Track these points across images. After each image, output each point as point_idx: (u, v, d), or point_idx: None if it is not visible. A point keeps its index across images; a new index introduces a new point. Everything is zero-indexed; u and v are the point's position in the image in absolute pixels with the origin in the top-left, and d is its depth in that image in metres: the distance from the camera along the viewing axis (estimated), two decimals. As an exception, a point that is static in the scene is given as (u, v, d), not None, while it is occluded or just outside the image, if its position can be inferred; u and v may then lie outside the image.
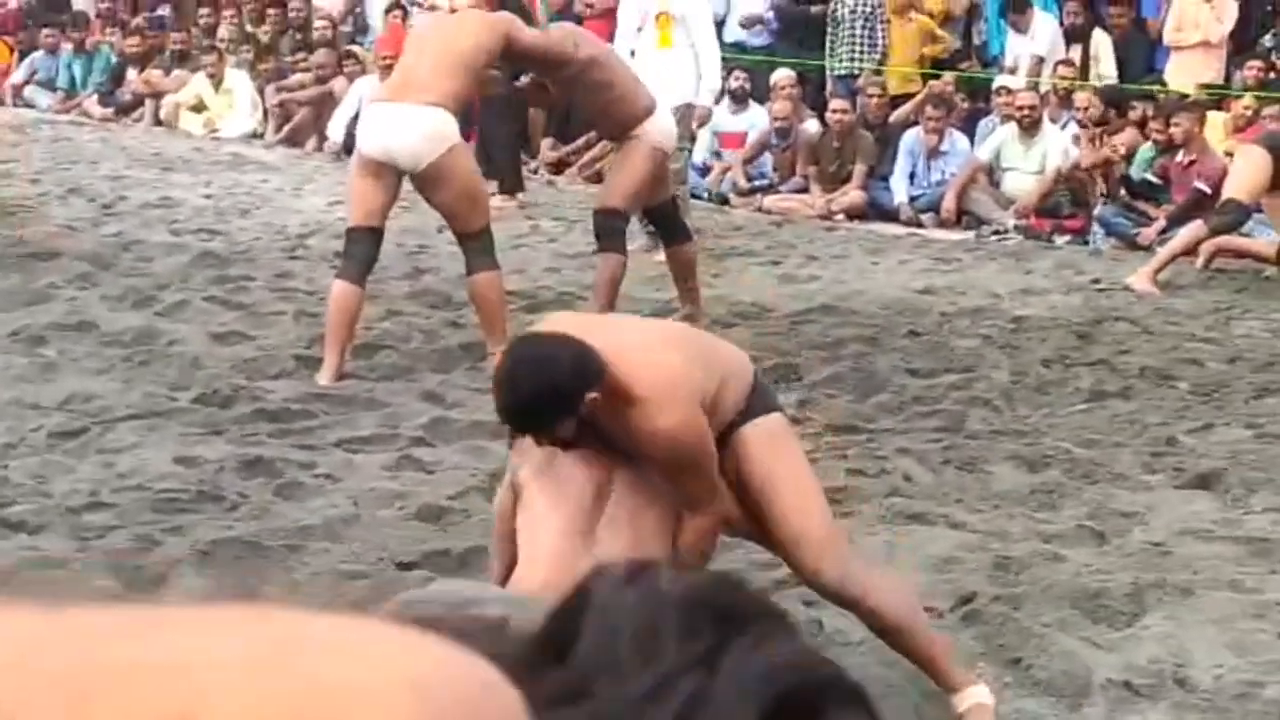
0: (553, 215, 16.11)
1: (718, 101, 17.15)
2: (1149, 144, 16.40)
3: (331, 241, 14.93)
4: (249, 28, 22.27)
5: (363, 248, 11.23)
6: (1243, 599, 7.83)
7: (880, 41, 18.91)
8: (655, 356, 6.25)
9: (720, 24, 18.07)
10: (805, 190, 17.67)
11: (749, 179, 17.93)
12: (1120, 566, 8.18)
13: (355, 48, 20.18)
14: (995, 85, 17.93)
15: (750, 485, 6.07)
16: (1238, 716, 6.74)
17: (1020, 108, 17.07)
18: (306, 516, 8.72)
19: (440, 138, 10.97)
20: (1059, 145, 16.80)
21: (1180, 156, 15.95)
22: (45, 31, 23.19)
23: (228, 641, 0.89)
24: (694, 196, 16.27)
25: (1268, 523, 8.78)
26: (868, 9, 18.95)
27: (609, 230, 12.07)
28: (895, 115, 18.04)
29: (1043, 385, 11.22)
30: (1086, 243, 16.05)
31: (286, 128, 20.26)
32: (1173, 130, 16.07)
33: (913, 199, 17.16)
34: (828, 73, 19.05)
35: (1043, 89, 17.62)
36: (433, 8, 18.03)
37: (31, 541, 8.33)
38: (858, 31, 18.98)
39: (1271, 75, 17.47)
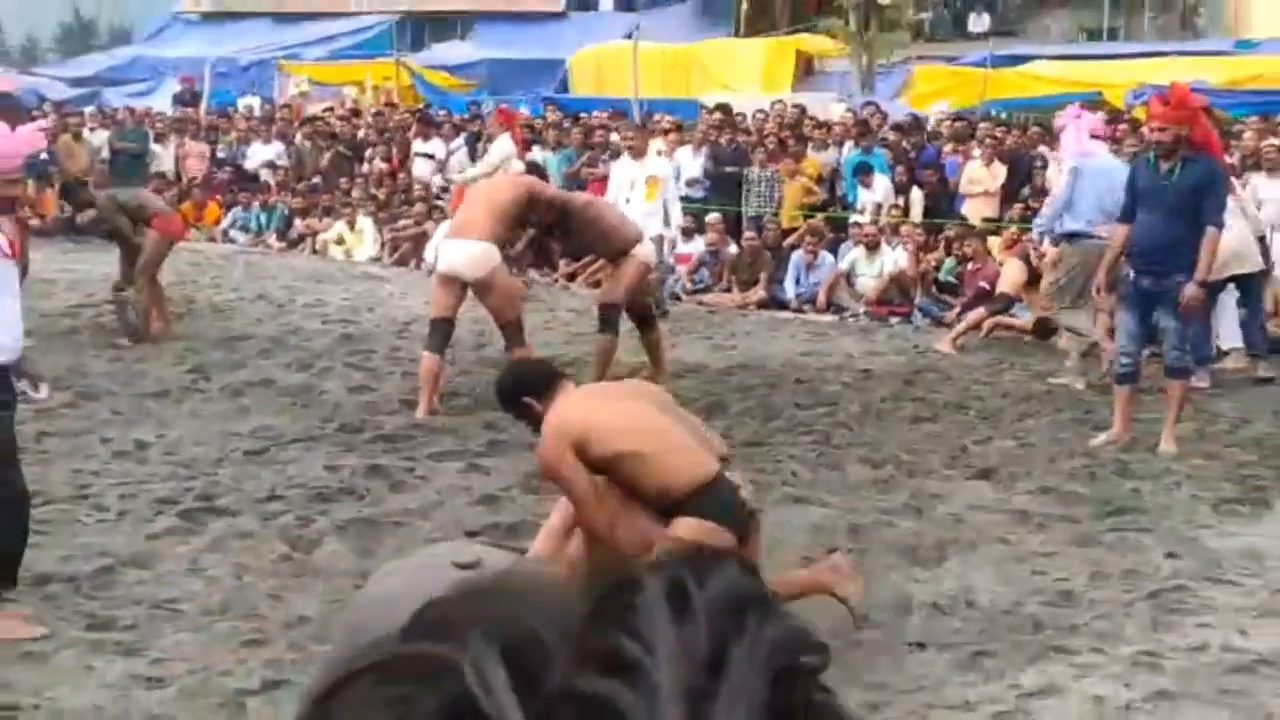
0: (567, 308, 16.11)
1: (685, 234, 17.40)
2: (950, 258, 16.43)
3: (425, 328, 14.95)
4: (373, 190, 22.25)
5: (441, 331, 11.29)
6: (1009, 550, 7.89)
7: (776, 194, 18.95)
8: (573, 401, 6.40)
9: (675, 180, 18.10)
10: (729, 290, 17.69)
11: (693, 283, 17.97)
12: (931, 530, 8.21)
13: (439, 202, 20.18)
14: (850, 221, 17.94)
15: None
16: (1004, 625, 6.77)
17: (867, 235, 17.11)
18: (408, 502, 8.76)
19: (486, 261, 11.06)
20: (892, 259, 16.83)
21: (970, 265, 15.98)
22: (242, 194, 23.20)
23: None
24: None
25: (1026, 500, 8.81)
26: (768, 174, 19.02)
27: (607, 319, 12.09)
28: (786, 241, 18.04)
29: (881, 413, 11.22)
30: (910, 322, 16.06)
31: (397, 254, 20.25)
32: (966, 248, 16.14)
33: (798, 295, 17.15)
34: (743, 214, 19.06)
35: (880, 223, 17.65)
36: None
37: (233, 521, 8.37)
38: (762, 188, 19.02)
39: (1029, 212, 17.49)
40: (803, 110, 22.18)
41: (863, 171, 18.49)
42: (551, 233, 12.88)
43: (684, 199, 18.67)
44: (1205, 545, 7.94)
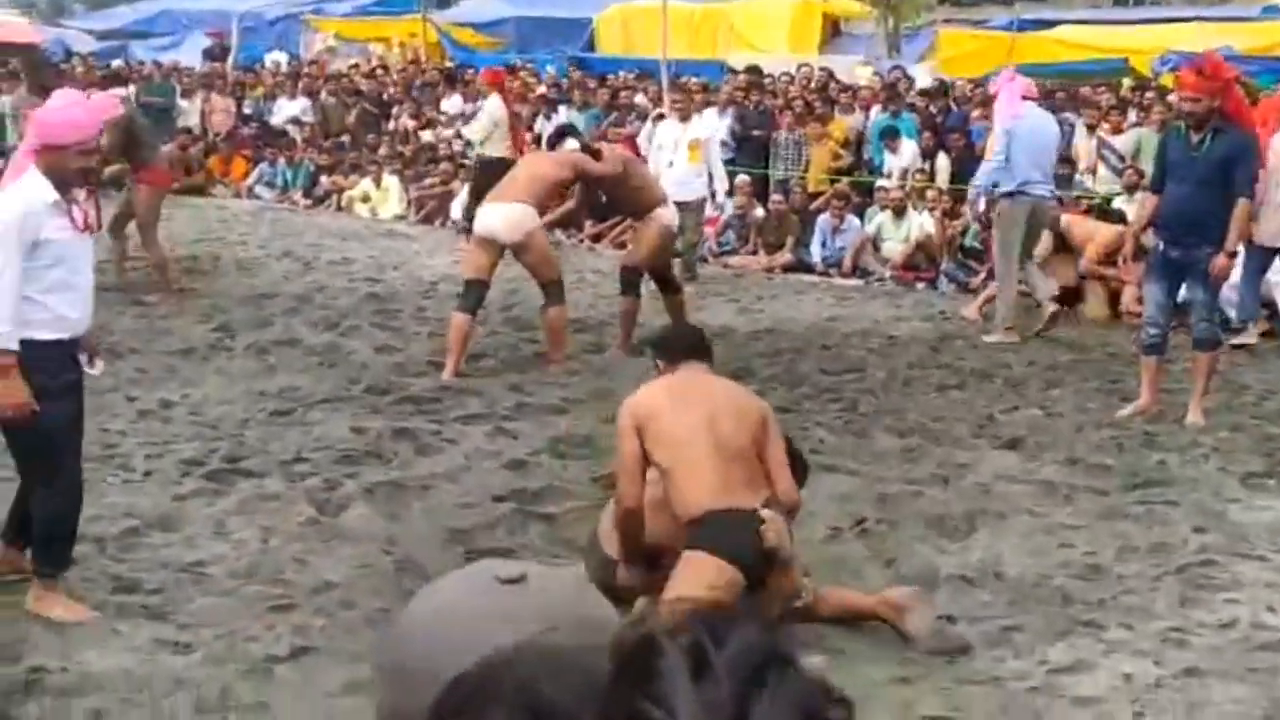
0: (593, 269, 16.00)
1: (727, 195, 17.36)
2: (976, 223, 16.28)
3: (452, 287, 14.85)
4: (399, 148, 22.15)
5: (475, 292, 11.27)
6: (1037, 521, 7.83)
7: (803, 158, 18.82)
8: (658, 385, 6.57)
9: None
10: (755, 253, 17.60)
11: (719, 246, 17.87)
12: (958, 500, 8.15)
13: (465, 161, 20.04)
14: (877, 185, 17.80)
15: None
16: (1034, 599, 6.71)
17: (893, 199, 16.99)
18: (435, 466, 8.72)
19: (525, 223, 11.09)
20: (918, 224, 16.72)
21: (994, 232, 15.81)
22: (268, 150, 23.12)
23: None
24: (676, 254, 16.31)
25: (1053, 472, 8.74)
26: (795, 137, 18.88)
27: (629, 282, 12.06)
28: (813, 205, 17.93)
29: (907, 380, 11.13)
30: (935, 287, 15.95)
31: (422, 212, 20.16)
32: (992, 214, 15.97)
33: (824, 259, 17.05)
34: (770, 177, 18.95)
35: (907, 188, 17.52)
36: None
37: (259, 483, 8.35)
38: (789, 151, 18.88)
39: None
40: (830, 74, 22.04)
41: (889, 136, 18.36)
42: (588, 198, 12.85)
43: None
44: (1233, 519, 7.86)
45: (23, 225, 6.07)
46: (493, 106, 18.11)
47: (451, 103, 22.63)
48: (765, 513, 6.03)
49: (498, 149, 17.99)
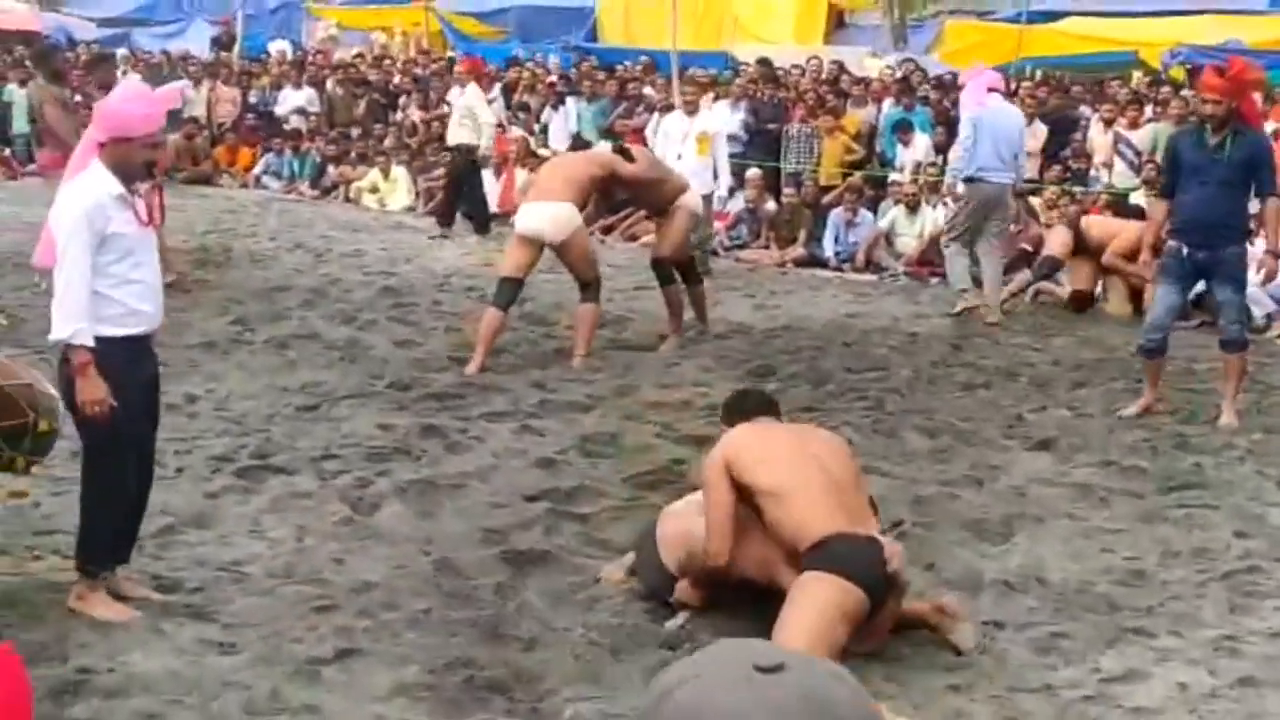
0: (608, 263, 15.85)
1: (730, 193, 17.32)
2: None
3: (466, 280, 14.88)
4: (406, 139, 22.11)
5: (510, 290, 11.35)
6: (1075, 525, 7.81)
7: (815, 151, 18.79)
8: (744, 428, 6.58)
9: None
10: (767, 247, 17.58)
11: (731, 240, 17.86)
12: (995, 503, 8.13)
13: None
14: (890, 180, 17.79)
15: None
16: (1079, 605, 6.69)
17: (907, 194, 16.98)
18: (465, 465, 8.68)
19: (570, 222, 11.24)
20: (932, 219, 16.70)
21: (1012, 227, 15.79)
22: (274, 140, 23.06)
23: None
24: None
25: (1088, 474, 8.72)
26: (808, 130, 18.86)
27: (664, 274, 12.08)
28: (825, 199, 17.91)
29: (932, 379, 11.11)
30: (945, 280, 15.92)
31: (431, 204, 20.10)
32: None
33: (837, 254, 17.05)
34: (782, 171, 18.92)
35: (920, 182, 17.48)
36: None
37: (290, 480, 8.32)
38: (801, 144, 18.85)
39: (1067, 174, 17.37)
40: (841, 65, 22.00)
41: (903, 129, 18.36)
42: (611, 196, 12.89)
43: (721, 155, 18.60)
44: (1274, 523, 7.84)
45: (92, 219, 6.02)
46: (472, 96, 18.30)
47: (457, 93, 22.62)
48: (886, 539, 6.09)
49: (458, 136, 18.14)
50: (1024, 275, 14.47)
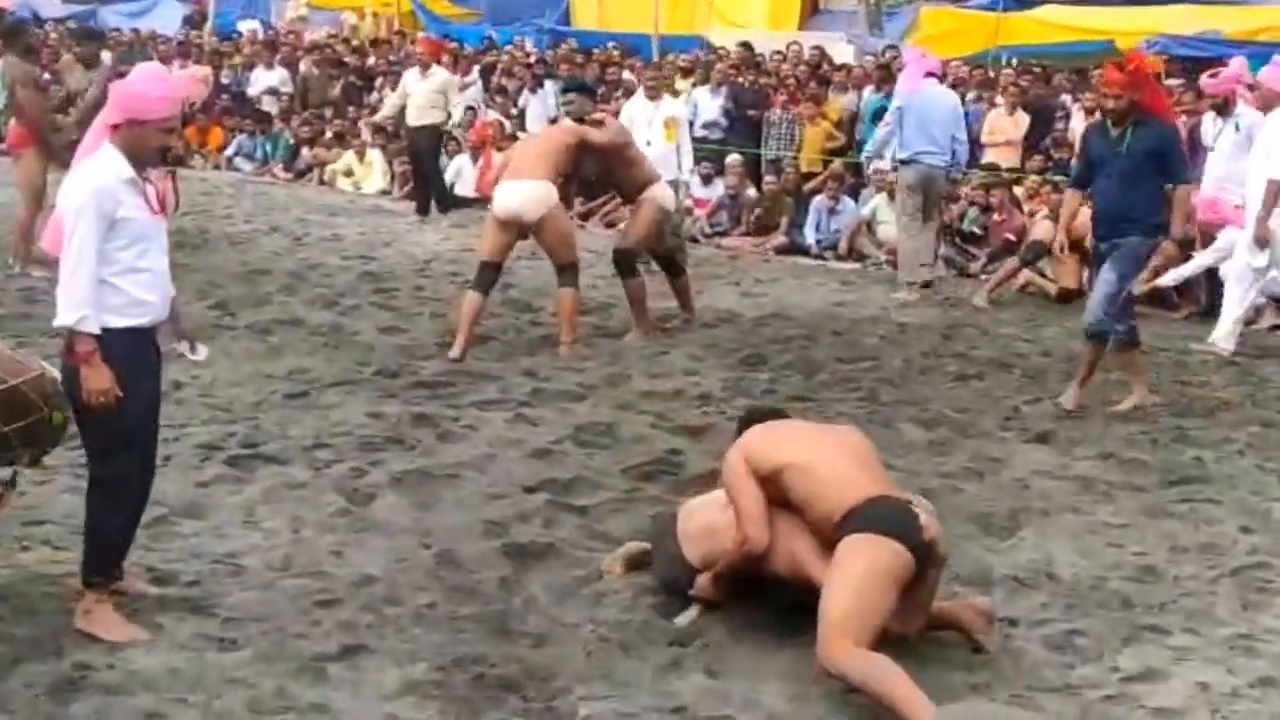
0: (586, 249, 15.76)
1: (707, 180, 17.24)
2: (973, 207, 16.17)
3: (447, 265, 14.76)
4: (378, 122, 21.92)
5: (489, 274, 11.24)
6: (1081, 520, 7.75)
7: (796, 138, 18.71)
8: (759, 427, 6.43)
9: (691, 124, 17.83)
10: (748, 234, 17.49)
11: (712, 227, 17.77)
12: (998, 497, 8.06)
13: (453, 135, 19.85)
14: (872, 168, 17.67)
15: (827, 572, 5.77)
16: (1092, 602, 6.62)
17: (889, 182, 16.86)
18: (460, 455, 8.57)
19: (547, 200, 11.13)
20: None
21: (995, 217, 15.77)
22: (245, 121, 22.87)
23: None
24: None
25: (1088, 468, 8.66)
26: (789, 116, 18.77)
27: (626, 265, 11.93)
28: (807, 186, 17.83)
29: (925, 369, 11.03)
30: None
31: (408, 187, 19.93)
32: (990, 199, 15.93)
33: (818, 241, 16.97)
34: (762, 158, 18.82)
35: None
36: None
37: (282, 469, 8.20)
38: (782, 131, 18.78)
39: (1049, 163, 17.30)
40: (822, 52, 21.91)
41: (884, 116, 18.23)
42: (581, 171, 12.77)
43: (701, 140, 18.48)
44: (1278, 519, 7.78)
45: (101, 202, 5.79)
46: (443, 77, 18.44)
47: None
48: (921, 505, 5.96)
49: (426, 118, 18.04)
50: (1011, 262, 14.35)
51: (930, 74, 14.64)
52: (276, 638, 6.00)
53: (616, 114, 18.96)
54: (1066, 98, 18.82)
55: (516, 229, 11.14)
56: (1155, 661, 5.97)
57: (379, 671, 5.76)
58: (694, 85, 19.93)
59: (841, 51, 23.60)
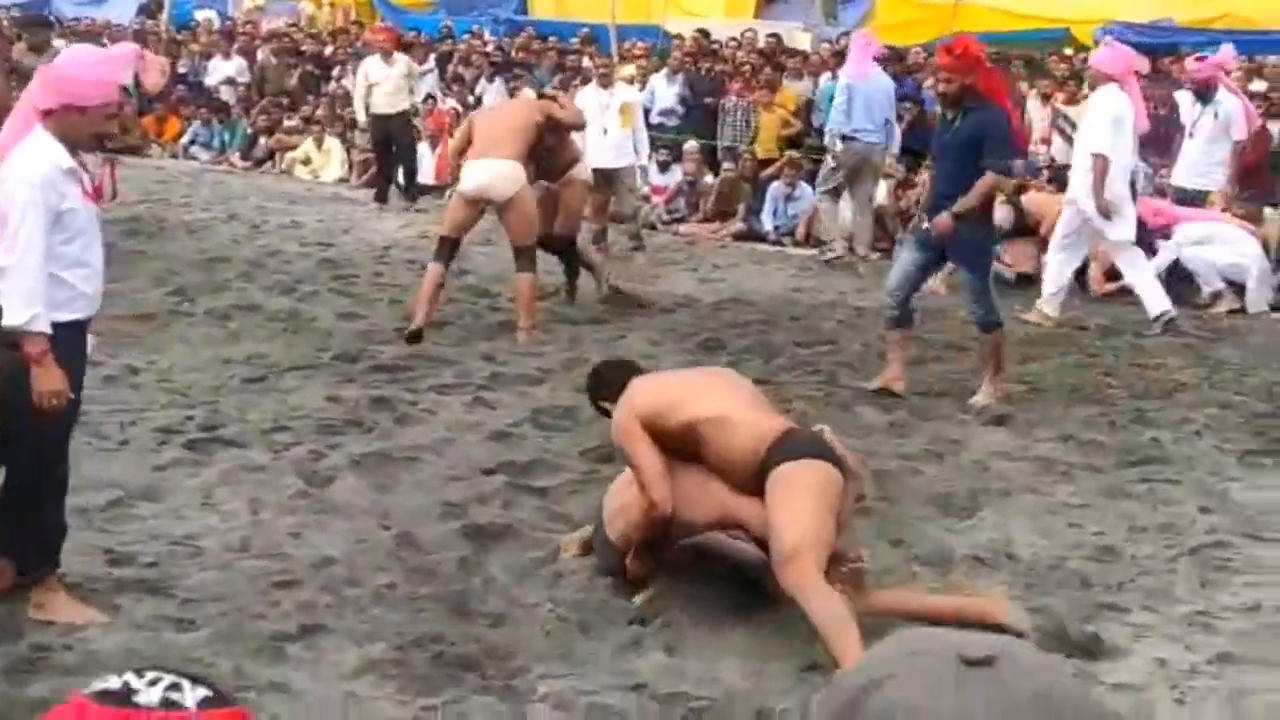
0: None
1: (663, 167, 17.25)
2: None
3: (406, 252, 14.70)
4: (339, 110, 21.81)
5: (449, 248, 11.29)
6: (1040, 500, 7.77)
7: (752, 124, 18.68)
8: (641, 382, 6.48)
9: (647, 112, 17.86)
10: (706, 221, 17.47)
11: (669, 213, 17.74)
12: (957, 478, 8.06)
13: (415, 120, 19.74)
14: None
15: (767, 506, 5.81)
16: (1052, 582, 6.63)
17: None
18: (419, 438, 8.55)
19: (517, 179, 11.11)
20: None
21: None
22: (202, 110, 22.75)
23: None
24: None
25: (1048, 449, 8.68)
26: (745, 104, 18.74)
27: (558, 249, 12.09)
28: (764, 173, 17.82)
29: (883, 353, 10.96)
30: (890, 258, 15.84)
31: (365, 175, 19.85)
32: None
33: (776, 228, 16.96)
34: (719, 145, 18.80)
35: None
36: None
37: (239, 452, 8.15)
38: (738, 118, 18.75)
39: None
40: (778, 39, 21.89)
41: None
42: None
43: (658, 128, 18.47)
44: (1236, 499, 7.80)
45: (46, 196, 5.53)
46: (407, 62, 18.51)
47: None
48: (822, 427, 6.25)
49: (398, 104, 18.00)
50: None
51: (876, 58, 15.71)
52: (235, 618, 5.96)
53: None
54: (1023, 84, 18.81)
55: (481, 207, 11.12)
56: (1115, 639, 5.97)
57: (338, 651, 5.72)
58: (643, 75, 19.82)
59: (798, 39, 23.58)
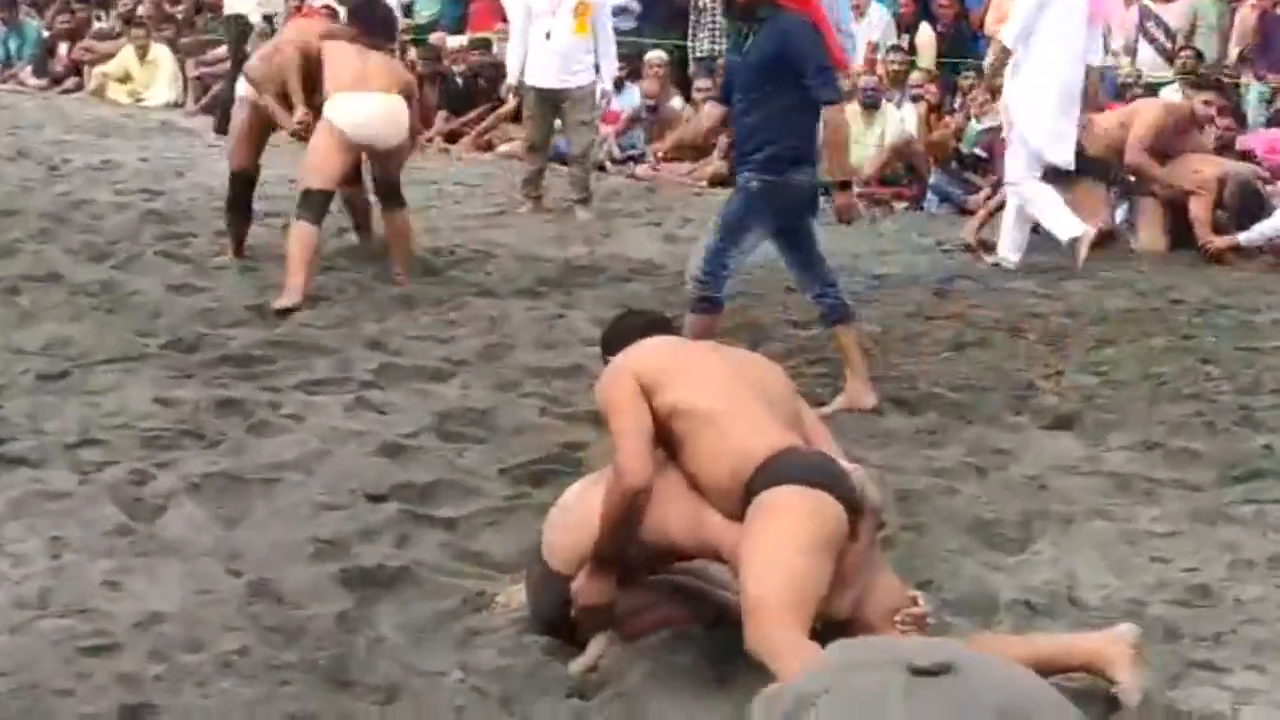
0: (454, 181, 15.90)
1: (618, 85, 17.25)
2: (975, 120, 16.34)
3: (259, 202, 14.71)
4: (168, 8, 21.84)
5: (321, 201, 11.62)
6: (1113, 528, 7.85)
7: (736, 29, 18.75)
8: (649, 341, 6.54)
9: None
10: (670, 159, 17.51)
11: (622, 149, 17.82)
12: (1005, 499, 8.17)
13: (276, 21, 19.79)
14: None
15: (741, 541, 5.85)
16: (1128, 633, 6.71)
17: (864, 89, 16.99)
18: (280, 452, 8.60)
19: (405, 119, 11.61)
20: (896, 121, 16.76)
21: (1004, 134, 15.88)
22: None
23: None
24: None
25: (1124, 460, 8.79)
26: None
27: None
28: (750, 94, 17.89)
29: (909, 336, 11.18)
30: (922, 208, 16.02)
31: (206, 97, 19.90)
32: (997, 106, 16.04)
33: (765, 168, 17.06)
34: (690, 55, 18.88)
35: (879, 73, 17.53)
36: None
37: (35, 475, 8.17)
38: (716, 19, 18.81)
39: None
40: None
41: (853, -1, 18.42)
42: None
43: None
44: (1372, 526, 7.95)
45: None
46: None
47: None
48: (843, 461, 6.09)
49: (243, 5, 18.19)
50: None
51: None
52: (29, 698, 6.00)
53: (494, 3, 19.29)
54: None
55: (359, 151, 11.32)
56: (1211, 705, 6.08)
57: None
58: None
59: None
